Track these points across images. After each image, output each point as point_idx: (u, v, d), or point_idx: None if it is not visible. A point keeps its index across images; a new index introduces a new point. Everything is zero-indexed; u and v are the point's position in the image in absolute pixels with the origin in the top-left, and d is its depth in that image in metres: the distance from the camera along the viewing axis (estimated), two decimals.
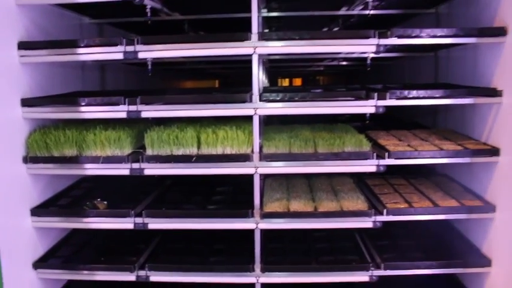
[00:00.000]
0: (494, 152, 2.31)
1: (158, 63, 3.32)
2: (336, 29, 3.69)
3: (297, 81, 7.72)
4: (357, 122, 3.14)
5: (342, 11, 3.09)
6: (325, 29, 3.84)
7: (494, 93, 2.31)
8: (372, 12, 2.88)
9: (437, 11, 3.18)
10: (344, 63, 4.66)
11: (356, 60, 4.40)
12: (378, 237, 2.69)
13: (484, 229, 2.46)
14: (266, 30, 3.82)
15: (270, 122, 3.10)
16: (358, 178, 2.87)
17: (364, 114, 2.32)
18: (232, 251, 2.64)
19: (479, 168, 2.50)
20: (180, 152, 2.35)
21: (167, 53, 2.31)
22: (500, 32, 2.23)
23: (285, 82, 7.50)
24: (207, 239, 2.78)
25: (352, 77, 6.17)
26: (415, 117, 3.66)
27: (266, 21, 3.61)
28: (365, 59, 2.63)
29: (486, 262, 2.39)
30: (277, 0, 2.96)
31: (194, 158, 2.32)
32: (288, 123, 2.91)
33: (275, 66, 5.48)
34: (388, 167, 2.35)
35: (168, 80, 6.09)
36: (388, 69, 4.69)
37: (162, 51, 2.29)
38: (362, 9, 2.86)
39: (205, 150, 2.35)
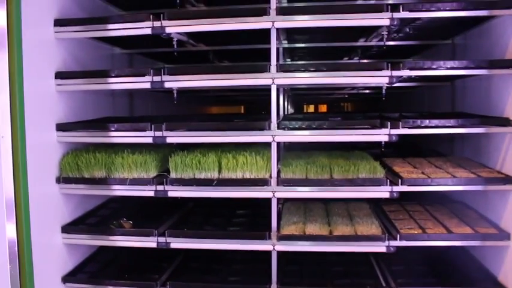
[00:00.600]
0: (507, 180, 2.36)
1: (184, 90, 3.50)
2: (356, 58, 3.80)
3: (323, 108, 7.82)
4: (376, 149, 3.23)
5: (360, 42, 3.21)
6: (345, 59, 3.96)
7: (507, 122, 2.37)
8: (388, 43, 2.99)
9: (454, 41, 3.26)
10: (367, 91, 4.74)
11: (377, 88, 4.49)
12: (394, 262, 2.73)
13: (499, 257, 2.48)
14: (288, 60, 3.97)
15: (291, 148, 3.21)
16: (375, 204, 2.94)
17: (380, 142, 2.41)
18: (250, 272, 2.72)
19: (495, 196, 2.55)
20: (202, 175, 2.48)
21: (191, 83, 2.47)
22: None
23: (310, 108, 7.62)
24: (227, 260, 2.88)
25: (375, 104, 6.25)
26: (433, 145, 3.71)
27: (288, 51, 3.76)
28: (389, 86, 2.71)
29: None
30: (298, 32, 3.09)
31: (215, 182, 2.44)
32: (309, 150, 3.00)
33: (300, 94, 5.61)
34: (406, 194, 2.43)
35: (194, 106, 6.28)
36: (410, 96, 4.77)
37: (186, 82, 2.45)
38: (379, 40, 2.96)
39: (226, 175, 2.48)
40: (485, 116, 2.58)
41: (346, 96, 5.93)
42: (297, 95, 5.62)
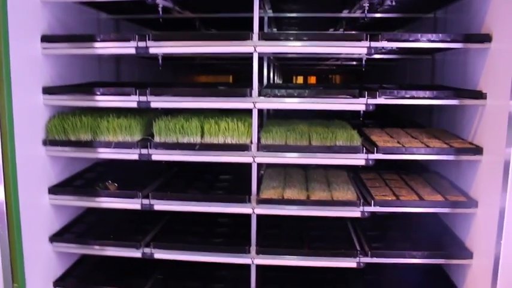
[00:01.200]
0: (477, 151, 2.47)
1: (171, 57, 3.53)
2: (341, 30, 3.85)
3: (312, 79, 7.85)
4: (357, 119, 3.31)
5: (344, 14, 3.25)
6: (331, 30, 4.00)
7: (480, 95, 2.45)
8: (372, 15, 3.05)
9: (436, 15, 3.32)
10: (353, 62, 4.79)
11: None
12: (370, 228, 2.86)
13: (467, 223, 2.61)
14: (275, 29, 4.00)
15: (275, 116, 3.28)
16: (354, 172, 3.04)
17: (361, 111, 2.50)
18: (231, 235, 2.84)
19: (466, 166, 2.65)
20: (185, 140, 2.56)
21: (174, 49, 2.49)
22: (486, 38, 2.38)
23: (299, 79, 7.65)
24: (210, 223, 2.99)
25: (361, 76, 6.32)
26: (413, 116, 3.80)
27: (276, 21, 3.79)
28: (373, 59, 2.77)
29: (468, 254, 2.54)
30: (283, 2, 3.12)
31: (197, 146, 2.52)
32: (293, 118, 3.08)
33: (288, 64, 5.65)
34: (385, 163, 2.54)
35: (182, 74, 6.30)
36: (393, 69, 4.83)
37: (170, 48, 2.48)
38: (362, 12, 3.01)
39: (208, 140, 2.56)
40: (460, 89, 2.66)
41: (334, 67, 5.97)
42: (285, 66, 5.65)
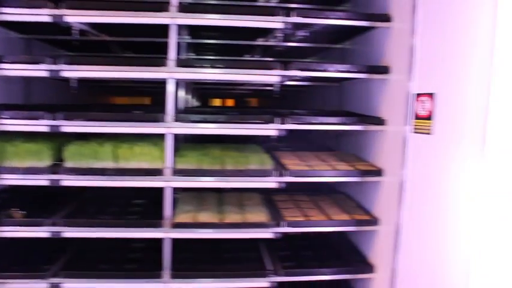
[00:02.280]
0: (378, 172, 2.67)
1: (86, 79, 3.46)
2: (257, 56, 4.00)
3: (229, 102, 7.98)
4: (272, 142, 3.44)
5: (259, 42, 3.39)
6: (247, 56, 4.14)
7: (380, 121, 2.67)
8: (287, 44, 3.22)
9: (344, 46, 3.56)
10: (269, 87, 4.95)
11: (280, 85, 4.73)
12: (282, 248, 2.97)
13: (370, 240, 2.80)
14: (193, 54, 4.07)
15: (192, 140, 3.31)
16: (267, 194, 3.14)
17: (272, 136, 2.61)
18: (145, 260, 2.80)
19: (369, 187, 2.85)
20: (98, 165, 2.52)
21: (88, 74, 2.48)
22: (385, 70, 2.61)
23: (217, 102, 7.74)
24: (124, 249, 2.94)
25: (277, 100, 6.52)
26: (324, 140, 4.01)
27: (193, 46, 3.85)
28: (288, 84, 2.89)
29: (371, 269, 2.73)
30: (201, 28, 3.19)
31: (110, 171, 2.49)
32: (209, 142, 3.14)
33: (206, 88, 5.72)
34: (296, 184, 2.64)
35: (98, 95, 6.14)
36: (308, 94, 5.06)
37: (84, 72, 2.47)
38: (277, 41, 3.17)
39: (122, 164, 2.54)
40: (364, 115, 2.87)
41: (251, 91, 6.13)
42: (203, 89, 5.72)
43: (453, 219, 1.96)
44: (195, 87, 5.15)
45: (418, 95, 2.22)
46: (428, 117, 2.12)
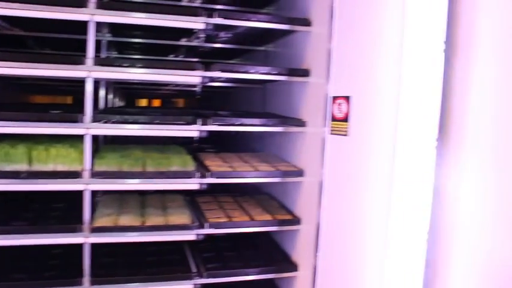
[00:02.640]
0: (300, 173, 2.74)
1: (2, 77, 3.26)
2: (181, 56, 3.96)
3: (156, 102, 7.85)
4: (196, 143, 3.43)
5: (182, 42, 3.36)
6: (172, 56, 4.10)
7: (301, 123, 2.75)
8: (211, 45, 3.22)
9: (267, 48, 3.62)
10: (194, 88, 4.93)
11: (205, 86, 4.72)
12: (207, 250, 2.96)
13: (293, 239, 2.87)
14: (115, 53, 3.95)
15: (113, 141, 3.22)
16: (190, 196, 3.13)
17: (195, 137, 2.59)
18: (65, 267, 2.67)
19: (291, 187, 2.92)
20: (10, 168, 2.38)
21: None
22: (305, 73, 2.69)
23: (143, 103, 7.59)
24: (42, 256, 2.79)
25: (204, 100, 6.52)
26: (248, 141, 4.05)
27: (116, 45, 3.75)
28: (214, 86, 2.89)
29: (294, 268, 2.79)
30: (123, 27, 3.11)
31: (24, 174, 2.36)
32: (132, 143, 3.06)
33: (131, 87, 5.58)
34: (222, 186, 2.66)
35: (15, 93, 5.79)
36: (233, 95, 5.09)
37: None
38: (200, 41, 3.16)
39: (37, 167, 2.41)
40: (286, 117, 2.94)
41: (177, 91, 6.07)
42: (127, 89, 5.58)
43: (367, 218, 2.05)
44: (120, 87, 5.01)
45: (335, 97, 2.31)
46: (345, 119, 2.21)
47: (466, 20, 1.78)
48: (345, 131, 2.22)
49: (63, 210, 2.90)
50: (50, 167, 2.42)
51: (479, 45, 1.72)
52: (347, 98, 2.20)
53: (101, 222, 2.50)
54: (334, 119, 2.32)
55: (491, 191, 1.64)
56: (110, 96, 4.24)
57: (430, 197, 1.86)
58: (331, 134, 2.35)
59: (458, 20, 1.80)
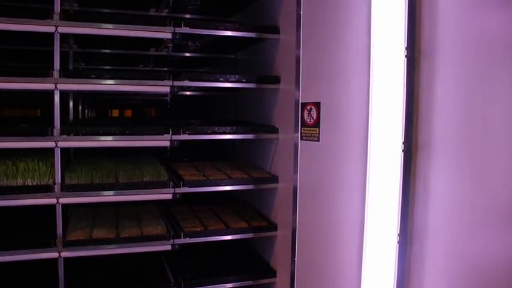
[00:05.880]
0: (274, 179, 2.76)
1: None
2: (150, 66, 3.95)
3: (128, 112, 7.74)
4: (169, 153, 3.40)
5: (151, 52, 3.35)
6: (141, 66, 4.07)
7: (274, 130, 2.76)
8: (181, 54, 3.21)
9: (236, 56, 3.63)
10: (166, 97, 4.90)
11: (176, 95, 4.70)
12: (184, 259, 2.94)
13: (270, 246, 2.88)
14: (83, 64, 3.90)
15: (83, 154, 3.17)
16: (165, 206, 3.10)
17: (166, 147, 2.57)
18: (38, 283, 2.62)
19: (267, 194, 2.93)
20: None
21: None
22: (275, 80, 2.71)
23: (115, 113, 7.47)
24: (14, 273, 2.72)
25: (177, 108, 6.47)
26: (221, 148, 4.04)
27: (84, 56, 3.70)
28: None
29: (272, 273, 2.80)
30: (90, 38, 3.08)
31: None
32: (102, 155, 3.02)
33: (102, 98, 5.51)
34: (198, 195, 2.65)
35: None
36: (206, 103, 5.07)
37: None
38: (168, 51, 3.16)
39: (6, 182, 2.36)
40: (258, 124, 2.95)
41: (149, 101, 6.03)
42: (98, 99, 5.51)
43: (341, 221, 2.07)
44: (91, 98, 4.93)
45: (305, 103, 2.33)
46: (315, 125, 2.23)
47: (427, 25, 1.82)
48: (316, 137, 2.24)
49: (34, 225, 2.84)
50: (19, 181, 2.37)
51: (441, 49, 1.76)
52: (317, 104, 2.22)
53: (74, 235, 2.45)
54: (305, 124, 2.34)
55: (458, 191, 1.67)
56: (81, 108, 4.19)
57: (399, 199, 1.88)
58: (303, 139, 2.37)
59: (420, 25, 1.84)
